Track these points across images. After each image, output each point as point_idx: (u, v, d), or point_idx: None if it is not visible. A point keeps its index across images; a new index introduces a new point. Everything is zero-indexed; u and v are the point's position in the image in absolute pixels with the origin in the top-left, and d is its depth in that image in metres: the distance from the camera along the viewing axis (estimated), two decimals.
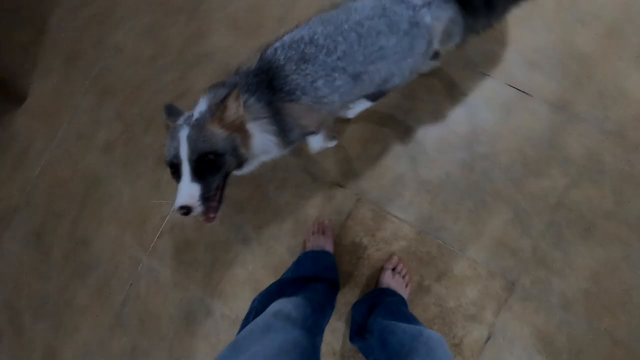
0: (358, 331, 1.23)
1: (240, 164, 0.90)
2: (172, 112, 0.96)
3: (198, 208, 0.81)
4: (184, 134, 0.82)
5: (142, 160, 1.76)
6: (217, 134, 0.83)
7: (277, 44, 0.98)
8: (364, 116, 1.54)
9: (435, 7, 0.96)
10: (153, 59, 1.87)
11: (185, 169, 0.81)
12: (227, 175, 0.89)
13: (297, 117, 0.96)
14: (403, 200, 1.49)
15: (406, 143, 1.53)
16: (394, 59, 0.97)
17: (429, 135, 1.52)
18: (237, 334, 0.83)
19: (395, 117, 1.55)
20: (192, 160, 0.81)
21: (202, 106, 0.90)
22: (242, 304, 1.52)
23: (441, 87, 1.54)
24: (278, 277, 1.31)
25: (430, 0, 0.95)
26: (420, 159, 1.51)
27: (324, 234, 1.44)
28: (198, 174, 0.81)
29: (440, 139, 1.51)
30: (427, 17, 0.95)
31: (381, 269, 1.43)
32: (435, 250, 1.44)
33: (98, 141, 1.84)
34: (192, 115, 0.88)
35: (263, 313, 0.87)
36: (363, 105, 1.44)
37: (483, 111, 1.51)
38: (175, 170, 0.84)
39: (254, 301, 1.06)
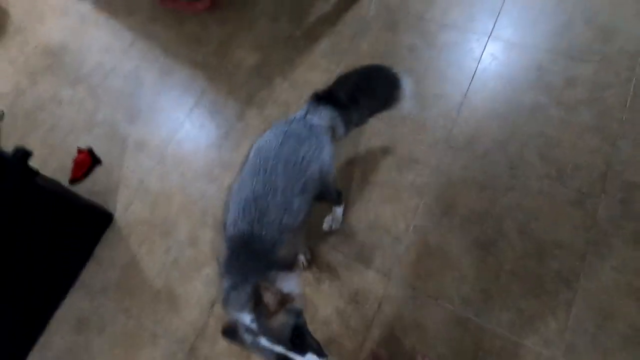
0: None
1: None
2: (231, 335, 0.98)
3: None
4: (265, 342, 0.90)
5: None
6: (280, 319, 0.92)
7: (230, 220, 1.08)
8: None
9: (312, 112, 1.28)
10: None
11: (292, 354, 0.89)
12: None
13: (282, 255, 1.09)
14: None
15: None
16: (317, 157, 1.19)
17: None
18: None
19: None
20: (288, 346, 0.90)
21: (247, 319, 0.93)
22: None
23: None
24: None
25: (306, 110, 1.28)
26: None
27: None
28: (300, 346, 0.90)
29: None
30: (313, 120, 1.26)
31: None
32: None
33: None
34: (251, 326, 0.92)
35: None
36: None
37: None
38: None
39: None
